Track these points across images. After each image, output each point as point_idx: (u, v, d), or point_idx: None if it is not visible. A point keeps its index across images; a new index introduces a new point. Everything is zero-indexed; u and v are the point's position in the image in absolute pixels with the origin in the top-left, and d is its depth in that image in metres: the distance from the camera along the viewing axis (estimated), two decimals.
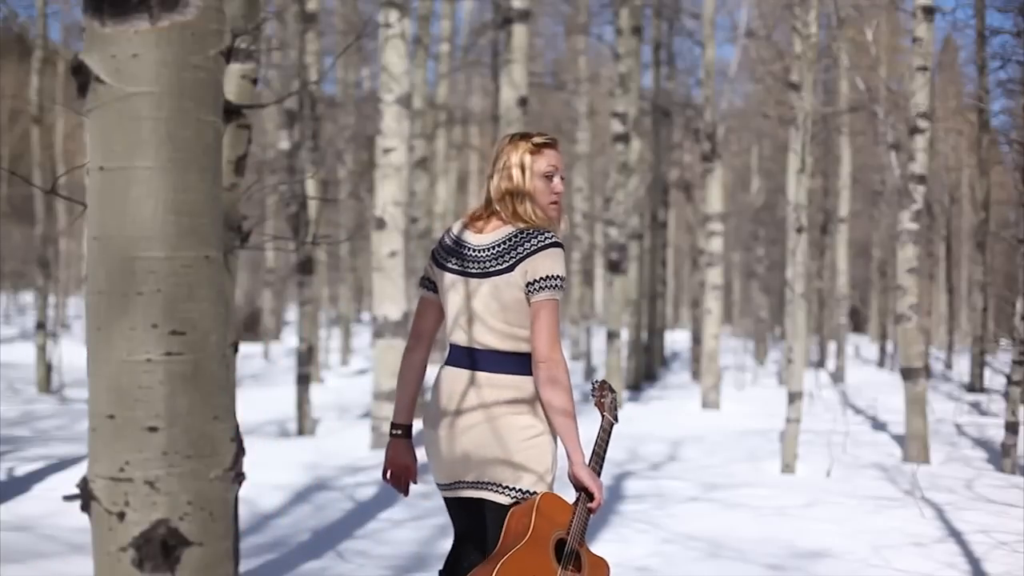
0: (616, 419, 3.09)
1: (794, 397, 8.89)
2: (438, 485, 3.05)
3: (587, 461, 2.86)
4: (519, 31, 11.15)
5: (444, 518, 6.58)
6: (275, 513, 6.66)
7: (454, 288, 2.87)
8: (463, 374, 2.86)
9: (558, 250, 2.80)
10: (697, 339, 20.16)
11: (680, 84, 23.38)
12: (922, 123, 9.94)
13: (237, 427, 2.47)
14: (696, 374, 19.71)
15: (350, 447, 9.54)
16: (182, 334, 2.30)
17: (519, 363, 2.82)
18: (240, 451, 2.47)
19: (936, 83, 15.13)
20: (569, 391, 2.80)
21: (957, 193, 25.93)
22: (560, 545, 2.78)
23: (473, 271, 2.85)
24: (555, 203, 2.93)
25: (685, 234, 33.63)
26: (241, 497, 3.85)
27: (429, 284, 3.00)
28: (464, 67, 21.09)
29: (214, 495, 2.36)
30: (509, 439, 2.80)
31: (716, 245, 15.21)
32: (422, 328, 3.07)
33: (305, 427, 11.55)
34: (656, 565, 5.62)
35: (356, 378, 19.46)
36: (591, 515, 2.82)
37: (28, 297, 39.96)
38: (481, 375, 2.83)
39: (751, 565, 5.66)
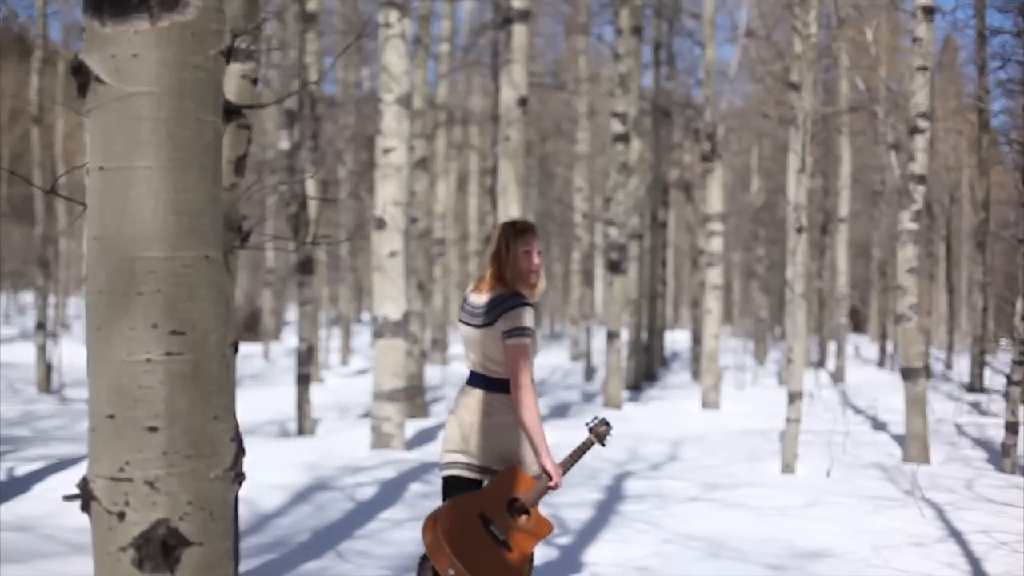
0: (602, 443, 4.15)
1: (794, 397, 8.89)
2: (442, 465, 4.00)
3: (553, 457, 3.85)
4: (519, 31, 11.15)
5: None
6: (275, 513, 6.66)
7: (466, 334, 3.99)
8: (474, 391, 3.96)
9: (527, 308, 3.84)
10: (697, 339, 20.16)
11: (680, 84, 23.38)
12: (922, 123, 9.94)
13: (237, 427, 2.47)
14: (696, 374, 19.71)
15: (350, 447, 9.54)
16: (182, 334, 2.30)
17: (502, 384, 3.89)
18: (240, 451, 2.47)
19: (936, 83, 15.13)
20: (531, 408, 3.79)
21: (957, 193, 25.93)
22: (512, 503, 3.81)
23: (475, 323, 3.93)
24: (533, 272, 3.95)
25: (685, 234, 33.64)
26: (241, 497, 3.84)
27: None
28: (464, 67, 21.09)
29: (214, 495, 2.36)
30: (501, 433, 3.90)
31: (716, 245, 15.21)
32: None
33: (305, 427, 11.55)
34: (656, 565, 5.62)
35: (356, 378, 19.46)
36: (548, 491, 3.86)
37: (28, 297, 39.97)
38: (482, 392, 3.93)
39: (751, 565, 5.66)
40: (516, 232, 3.94)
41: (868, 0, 16.00)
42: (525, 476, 3.87)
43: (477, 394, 3.92)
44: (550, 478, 3.85)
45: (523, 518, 3.83)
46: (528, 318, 3.83)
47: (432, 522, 3.69)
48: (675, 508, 6.99)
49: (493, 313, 3.84)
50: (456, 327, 38.08)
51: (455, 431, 3.94)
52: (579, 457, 4.08)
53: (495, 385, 3.88)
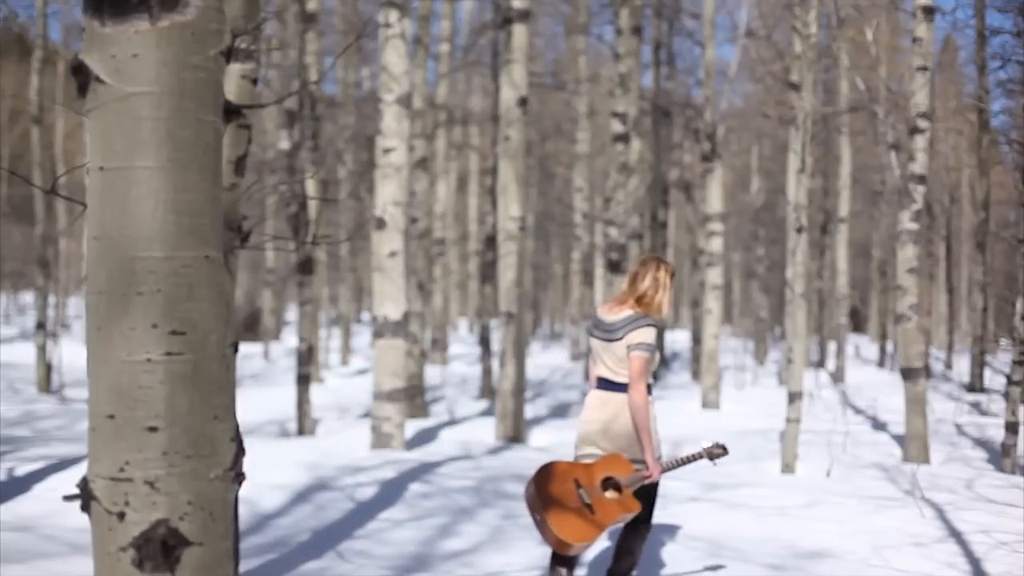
0: (711, 461, 4.83)
1: (794, 397, 8.89)
2: (577, 457, 4.76)
3: (658, 454, 4.67)
4: (519, 31, 11.15)
5: (444, 518, 6.59)
6: (275, 513, 6.66)
7: (597, 347, 4.79)
8: (601, 393, 4.74)
9: (653, 328, 4.66)
10: (697, 339, 20.15)
11: (680, 84, 23.38)
12: (922, 123, 9.94)
13: (237, 427, 2.47)
14: (696, 374, 19.70)
15: (350, 447, 9.54)
16: (182, 334, 2.29)
17: (625, 388, 4.64)
18: (240, 451, 2.47)
19: (936, 83, 15.12)
20: (643, 409, 4.57)
21: (957, 193, 25.92)
22: (607, 479, 4.54)
23: (607, 337, 4.74)
24: (661, 299, 4.80)
25: (685, 234, 33.63)
26: (241, 497, 3.85)
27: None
28: (464, 67, 21.08)
29: (214, 495, 2.36)
30: (620, 424, 4.65)
31: (716, 245, 15.21)
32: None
33: (305, 427, 11.55)
34: (656, 565, 5.62)
35: (356, 378, 19.46)
36: (644, 480, 4.58)
37: (28, 297, 39.97)
38: (610, 395, 4.70)
39: (751, 565, 5.66)
40: (657, 266, 4.80)
41: (868, 0, 16.00)
42: (626, 461, 4.59)
43: (604, 396, 4.70)
44: (648, 469, 4.59)
45: (611, 492, 4.53)
46: (653, 336, 4.64)
47: (533, 478, 4.51)
48: (675, 508, 6.99)
49: (625, 329, 4.66)
50: (455, 327, 38.19)
51: (587, 427, 4.71)
52: (683, 464, 4.77)
53: (620, 388, 4.66)
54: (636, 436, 4.60)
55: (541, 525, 4.45)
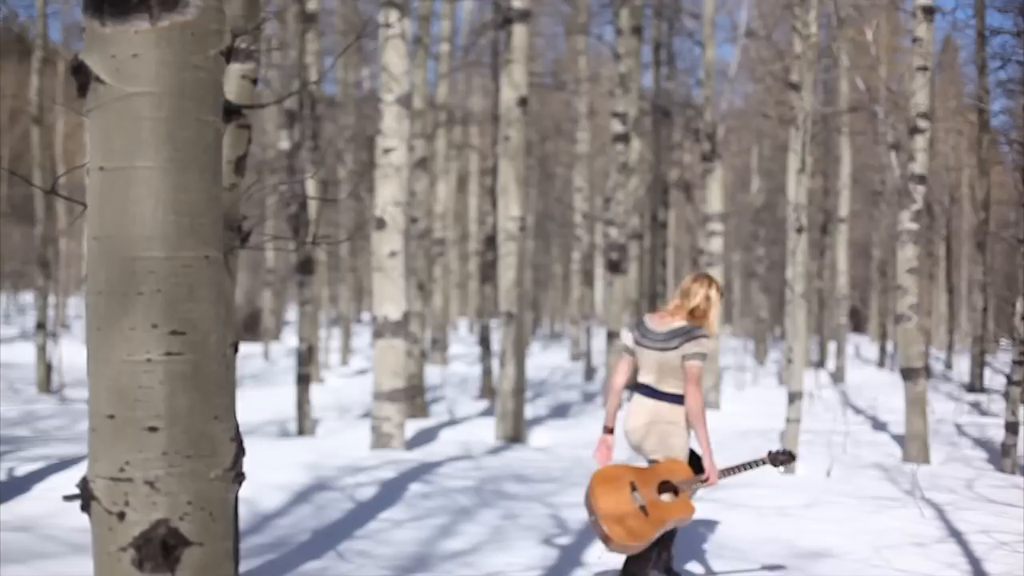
0: (775, 466, 4.98)
1: (794, 397, 8.89)
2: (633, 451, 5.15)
3: (713, 459, 4.87)
4: (519, 31, 11.15)
5: (444, 518, 6.59)
6: (275, 513, 6.66)
7: (644, 355, 4.97)
8: (648, 400, 4.97)
9: (706, 339, 4.91)
10: None
11: (680, 84, 23.36)
12: (922, 123, 9.93)
13: (237, 427, 2.47)
14: None
15: (350, 447, 9.54)
16: (182, 334, 2.29)
17: (674, 397, 4.91)
18: (240, 451, 2.47)
19: (936, 83, 15.12)
20: (702, 416, 4.84)
21: (957, 193, 25.90)
22: (664, 484, 4.76)
23: (657, 346, 4.93)
24: (710, 313, 5.03)
25: (685, 234, 33.62)
26: (241, 497, 3.85)
27: (629, 351, 5.09)
28: (464, 67, 21.07)
29: (214, 495, 2.36)
30: (668, 433, 4.91)
31: (716, 245, 15.20)
32: (627, 371, 5.16)
33: (305, 427, 11.54)
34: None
35: (356, 378, 19.46)
36: (702, 484, 4.82)
37: (28, 297, 39.98)
38: (654, 402, 4.95)
39: (751, 565, 5.67)
40: (709, 284, 5.05)
41: (868, 0, 15.99)
42: (684, 467, 4.84)
43: (649, 403, 4.95)
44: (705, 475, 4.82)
45: (667, 496, 4.76)
46: (707, 346, 4.91)
47: (591, 479, 4.75)
48: None
49: (680, 339, 4.89)
50: (455, 327, 38.19)
51: (632, 429, 4.96)
52: (745, 469, 4.93)
53: (665, 397, 4.91)
54: (671, 442, 4.88)
55: (595, 525, 4.66)
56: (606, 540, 4.63)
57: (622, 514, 4.63)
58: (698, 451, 5.01)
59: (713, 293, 5.03)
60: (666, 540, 5.08)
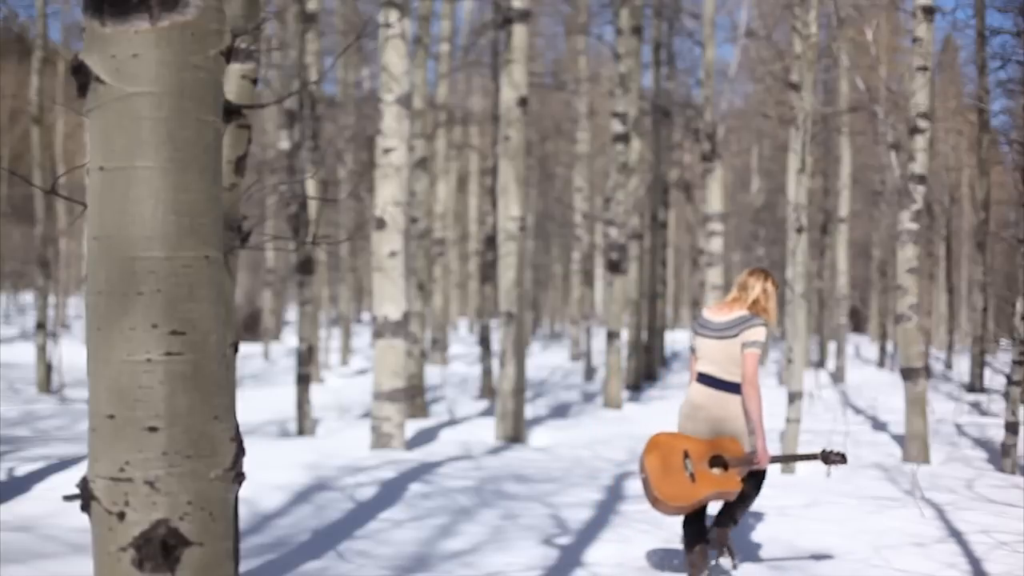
0: (826, 463, 5.17)
1: (794, 397, 8.89)
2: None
3: (766, 443, 5.13)
4: (519, 31, 11.15)
5: (444, 518, 6.60)
6: (275, 513, 6.66)
7: (704, 344, 5.23)
8: (707, 389, 5.19)
9: (764, 328, 5.14)
10: None
11: (680, 84, 23.37)
12: (922, 123, 9.93)
13: (237, 427, 2.47)
14: None
15: (350, 447, 9.54)
16: (182, 334, 2.29)
17: (734, 386, 5.14)
18: (240, 451, 2.46)
19: (936, 83, 15.12)
20: (758, 402, 5.07)
21: (957, 193, 25.91)
22: (716, 457, 5.03)
23: (716, 336, 5.18)
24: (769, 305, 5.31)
25: (685, 234, 33.63)
26: (241, 497, 3.84)
27: (693, 349, 5.36)
28: (464, 67, 21.07)
29: (214, 495, 2.36)
30: (728, 419, 5.13)
31: (716, 245, 15.21)
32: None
33: (305, 427, 11.54)
34: (656, 565, 5.62)
35: (356, 378, 19.46)
36: (752, 464, 5.05)
37: (28, 297, 39.98)
38: (713, 390, 5.17)
39: (751, 565, 5.67)
40: (765, 278, 5.31)
41: (868, 0, 15.99)
42: (738, 444, 5.09)
43: (707, 392, 5.18)
44: (755, 456, 5.05)
45: (716, 469, 5.03)
46: (765, 335, 5.15)
47: (648, 443, 5.08)
48: None
49: (740, 327, 5.13)
50: (455, 327, 38.21)
51: (689, 415, 5.18)
52: (796, 459, 5.29)
53: (724, 385, 5.14)
54: (728, 426, 5.11)
55: (645, 484, 5.01)
56: (652, 499, 5.00)
57: (671, 477, 4.97)
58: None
59: (769, 286, 5.28)
60: (734, 509, 5.31)
